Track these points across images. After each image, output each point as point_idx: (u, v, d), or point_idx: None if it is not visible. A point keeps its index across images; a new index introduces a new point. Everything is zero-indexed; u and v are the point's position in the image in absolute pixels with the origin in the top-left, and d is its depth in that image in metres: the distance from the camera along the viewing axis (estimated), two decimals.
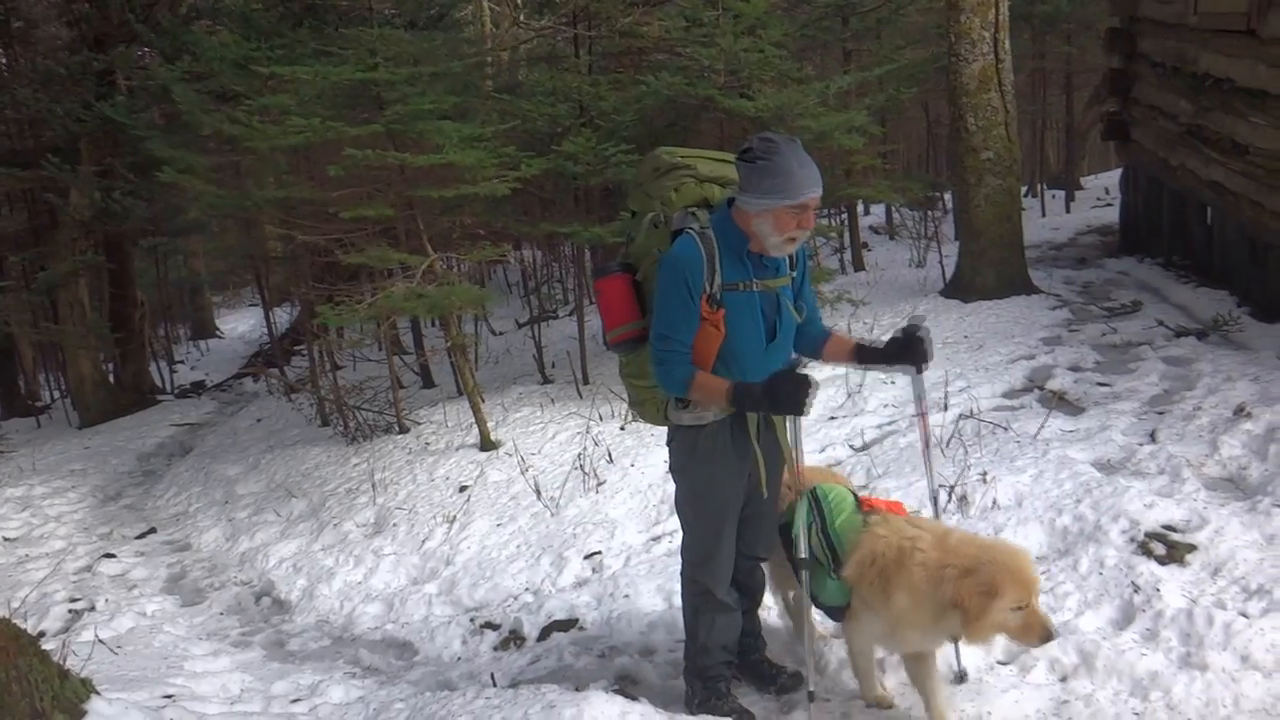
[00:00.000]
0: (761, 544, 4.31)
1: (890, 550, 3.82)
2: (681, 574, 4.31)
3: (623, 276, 4.01)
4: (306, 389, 11.78)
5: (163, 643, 6.43)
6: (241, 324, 24.10)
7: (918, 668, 4.02)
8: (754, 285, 3.85)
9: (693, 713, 4.18)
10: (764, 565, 4.46)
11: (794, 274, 4.02)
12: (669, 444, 4.15)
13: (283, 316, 16.56)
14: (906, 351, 4.06)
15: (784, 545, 4.21)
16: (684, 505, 4.19)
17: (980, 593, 3.56)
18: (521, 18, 18.22)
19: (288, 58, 8.94)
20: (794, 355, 4.15)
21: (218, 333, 24.27)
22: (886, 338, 4.18)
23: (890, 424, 7.25)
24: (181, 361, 20.32)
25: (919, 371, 4.15)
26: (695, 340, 3.78)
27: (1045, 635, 3.62)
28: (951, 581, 3.62)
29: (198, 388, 17.39)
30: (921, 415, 4.38)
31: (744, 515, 4.20)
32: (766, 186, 3.66)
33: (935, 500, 4.55)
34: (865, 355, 4.18)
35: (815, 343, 4.21)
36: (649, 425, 7.65)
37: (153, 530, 9.40)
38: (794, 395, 3.60)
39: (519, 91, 11.11)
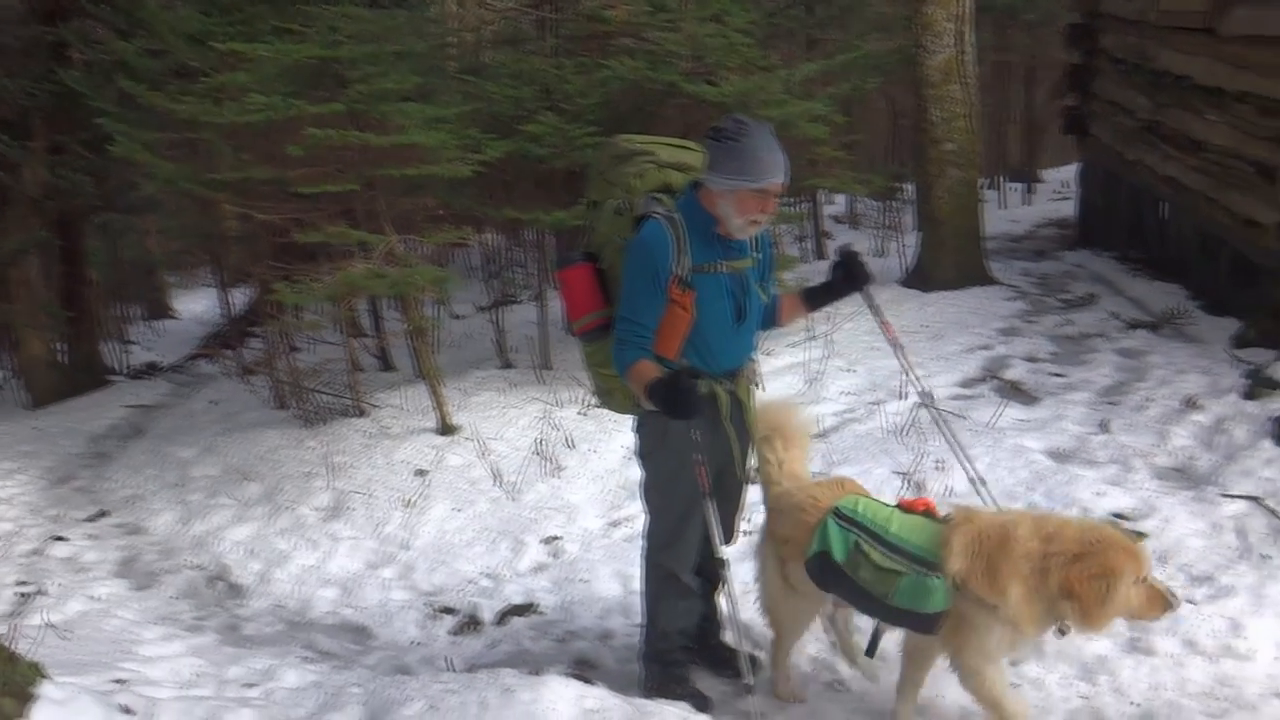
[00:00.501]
0: (724, 529, 4.28)
1: (992, 534, 3.59)
2: (645, 558, 4.33)
3: (586, 266, 4.04)
4: (263, 371, 11.66)
5: (114, 627, 6.36)
6: (197, 305, 23.78)
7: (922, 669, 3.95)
8: (722, 267, 3.89)
9: (649, 696, 4.19)
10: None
11: (758, 255, 4.05)
12: (637, 430, 4.17)
13: (239, 298, 16.38)
14: (849, 278, 4.18)
15: (819, 578, 3.95)
16: (651, 490, 4.22)
17: (1097, 576, 3.35)
18: None
19: (246, 34, 8.82)
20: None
21: (172, 313, 23.95)
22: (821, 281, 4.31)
23: (849, 411, 7.30)
24: (135, 342, 20.00)
25: (865, 289, 4.25)
26: (665, 322, 3.81)
27: (1168, 604, 3.44)
28: (1061, 569, 3.41)
29: (152, 369, 17.15)
30: (883, 323, 4.48)
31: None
32: (733, 168, 3.69)
33: (923, 395, 4.74)
34: (814, 297, 4.32)
35: (772, 312, 4.28)
36: (608, 411, 7.67)
37: (104, 513, 9.28)
38: (681, 401, 3.63)
39: (483, 73, 11.04)
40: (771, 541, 4.22)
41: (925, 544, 3.71)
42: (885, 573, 3.73)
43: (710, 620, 4.59)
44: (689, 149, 4.12)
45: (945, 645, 3.77)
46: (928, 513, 3.89)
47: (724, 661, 4.55)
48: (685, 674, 4.37)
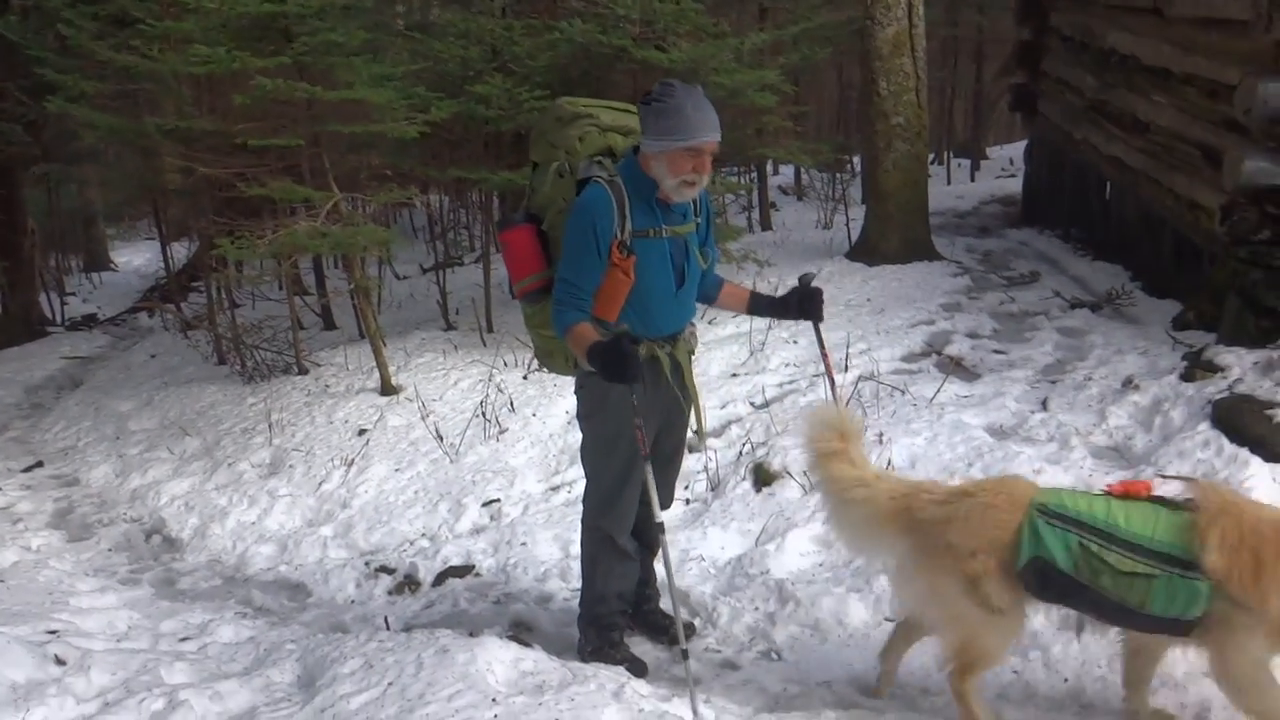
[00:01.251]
0: (663, 493, 4.32)
1: (1259, 527, 3.17)
2: (583, 521, 4.34)
3: (528, 228, 4.02)
4: (203, 326, 11.51)
5: (48, 578, 6.27)
6: (137, 257, 23.39)
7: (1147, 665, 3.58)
8: (664, 232, 3.89)
9: (585, 660, 4.20)
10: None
11: (699, 220, 4.06)
12: (577, 391, 4.16)
13: (180, 251, 16.12)
14: (803, 310, 4.21)
15: (1040, 590, 3.45)
16: (590, 452, 4.22)
17: None
18: None
19: None
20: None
21: (112, 265, 23.53)
22: (780, 293, 4.38)
23: (791, 382, 7.33)
24: (73, 294, 19.66)
25: (817, 322, 4.28)
26: (605, 286, 3.80)
27: None
28: None
29: (90, 321, 16.87)
30: (825, 355, 4.48)
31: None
32: (662, 128, 3.69)
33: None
34: (759, 305, 4.34)
35: (709, 289, 4.28)
36: (552, 375, 7.63)
37: (39, 464, 9.15)
38: (620, 364, 3.60)
39: (431, 31, 10.91)
40: (950, 556, 3.46)
41: (1173, 538, 3.23)
42: (1133, 578, 3.24)
43: (648, 586, 4.59)
44: (631, 112, 4.08)
45: (1200, 650, 3.37)
46: (1157, 499, 3.43)
47: (660, 628, 4.57)
48: (621, 639, 4.37)
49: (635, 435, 3.90)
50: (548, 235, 4.01)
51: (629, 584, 4.36)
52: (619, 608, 4.34)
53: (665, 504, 4.39)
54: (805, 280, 4.23)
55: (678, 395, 4.14)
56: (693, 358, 4.30)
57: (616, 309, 3.86)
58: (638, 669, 4.22)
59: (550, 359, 4.28)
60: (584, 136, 4.00)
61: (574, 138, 4.00)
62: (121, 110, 10.70)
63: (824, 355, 4.47)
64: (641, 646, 4.48)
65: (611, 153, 3.98)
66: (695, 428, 4.37)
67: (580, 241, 3.77)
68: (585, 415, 4.17)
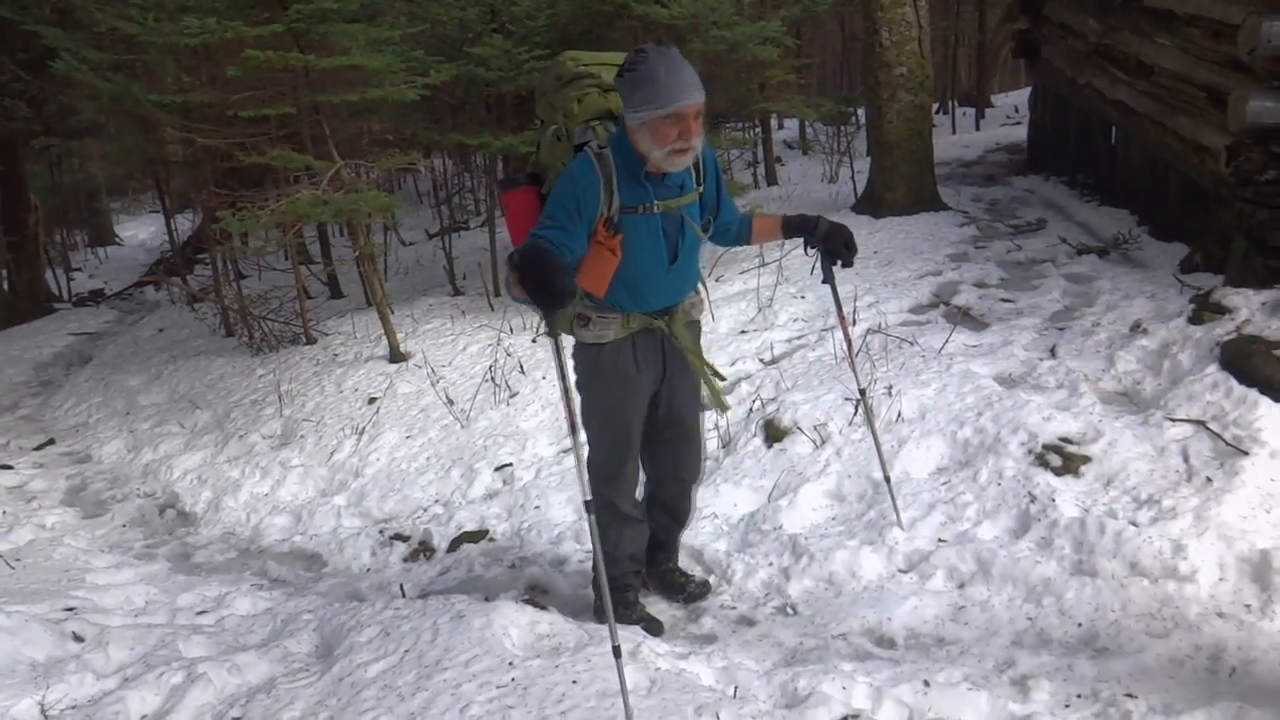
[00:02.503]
0: (686, 466, 4.31)
1: None
2: (590, 492, 4.27)
3: (530, 190, 3.92)
4: (210, 298, 11.53)
5: (63, 555, 6.32)
6: (142, 231, 23.44)
7: None
8: (655, 207, 3.75)
9: (600, 621, 4.21)
10: None
11: (700, 188, 3.92)
12: (574, 358, 4.09)
13: (184, 224, 16.13)
14: (831, 237, 4.16)
15: None
16: (589, 420, 4.14)
17: None
18: None
19: None
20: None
21: (117, 240, 23.57)
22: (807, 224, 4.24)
23: (800, 338, 7.32)
24: (79, 269, 19.71)
25: (838, 262, 4.24)
26: (592, 262, 3.69)
27: None
28: None
29: (96, 296, 16.92)
30: (841, 318, 4.54)
31: (665, 437, 4.20)
32: (638, 99, 3.54)
33: (863, 393, 4.73)
34: (790, 226, 4.23)
35: (743, 230, 4.22)
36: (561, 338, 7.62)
37: (51, 441, 9.19)
38: (541, 282, 3.27)
39: None
40: None
41: None
42: None
43: (663, 547, 4.59)
44: None
45: None
46: None
47: (677, 587, 4.57)
48: (636, 598, 4.38)
49: (629, 406, 3.92)
50: (548, 198, 3.85)
51: (639, 545, 4.36)
52: (632, 568, 4.35)
53: (693, 477, 4.41)
54: (843, 230, 4.18)
55: (682, 366, 4.06)
56: (698, 327, 4.23)
57: (604, 285, 3.76)
58: (654, 628, 4.25)
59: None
60: (583, 98, 3.84)
61: (573, 99, 3.84)
62: (121, 81, 10.67)
63: (841, 318, 4.53)
64: (657, 605, 4.51)
65: (613, 115, 3.84)
66: (707, 402, 4.27)
67: (562, 205, 3.63)
68: (581, 385, 4.08)
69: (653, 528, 4.45)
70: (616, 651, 3.32)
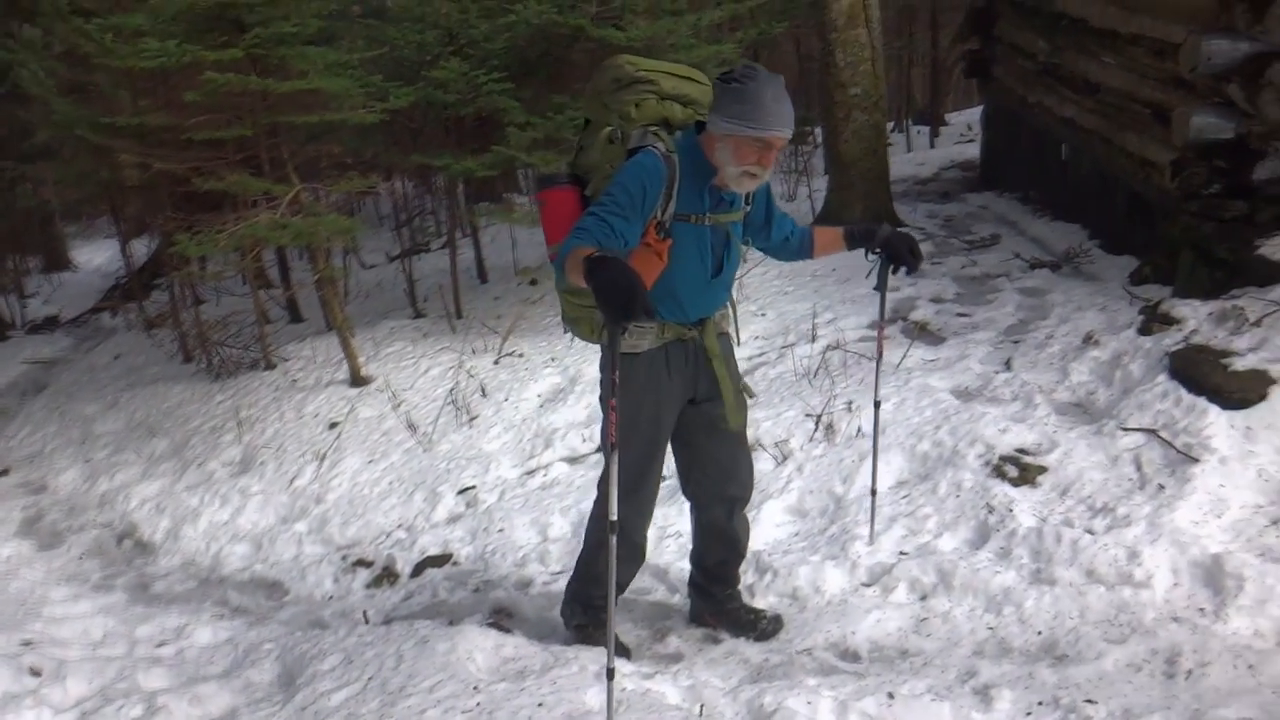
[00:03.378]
0: (732, 481, 4.14)
1: None
2: (595, 505, 4.15)
3: (572, 190, 3.80)
4: (167, 324, 11.44)
5: (19, 588, 6.25)
6: (97, 256, 23.15)
7: None
8: (706, 219, 3.71)
9: (568, 629, 4.18)
10: None
11: (747, 209, 3.88)
12: (601, 369, 3.98)
13: (141, 249, 15.98)
14: (895, 241, 4.12)
15: None
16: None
17: None
18: None
19: None
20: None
21: (72, 265, 23.29)
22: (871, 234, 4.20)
23: (760, 355, 7.37)
24: (33, 295, 19.46)
25: (899, 269, 4.19)
26: (637, 263, 3.45)
27: None
28: None
29: (51, 323, 16.71)
30: (881, 326, 4.61)
31: (708, 452, 4.05)
32: (735, 111, 3.48)
33: (878, 405, 4.74)
34: (854, 237, 4.17)
35: (804, 244, 4.18)
36: (523, 359, 7.63)
37: (5, 471, 9.08)
38: (622, 299, 3.05)
39: (386, 17, 10.83)
40: None
41: None
42: None
43: (724, 582, 4.37)
44: (694, 80, 3.88)
45: None
46: None
47: (747, 624, 4.32)
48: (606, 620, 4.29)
49: (658, 420, 3.84)
50: (589, 201, 3.73)
51: (626, 578, 4.24)
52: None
53: (742, 492, 4.19)
54: (908, 237, 4.14)
55: (714, 378, 3.94)
56: (729, 339, 4.13)
57: (646, 289, 3.58)
58: (620, 651, 4.13)
59: (576, 325, 4.03)
60: (640, 103, 3.75)
61: (630, 103, 3.75)
62: (79, 103, 10.59)
63: (880, 327, 4.56)
64: (622, 626, 4.46)
65: (667, 123, 3.76)
66: (725, 419, 4.02)
67: (629, 193, 3.51)
68: (605, 396, 3.87)
69: (708, 560, 4.29)
70: (610, 674, 3.29)
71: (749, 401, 4.14)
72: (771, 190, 4.06)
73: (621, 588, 4.27)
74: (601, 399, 3.99)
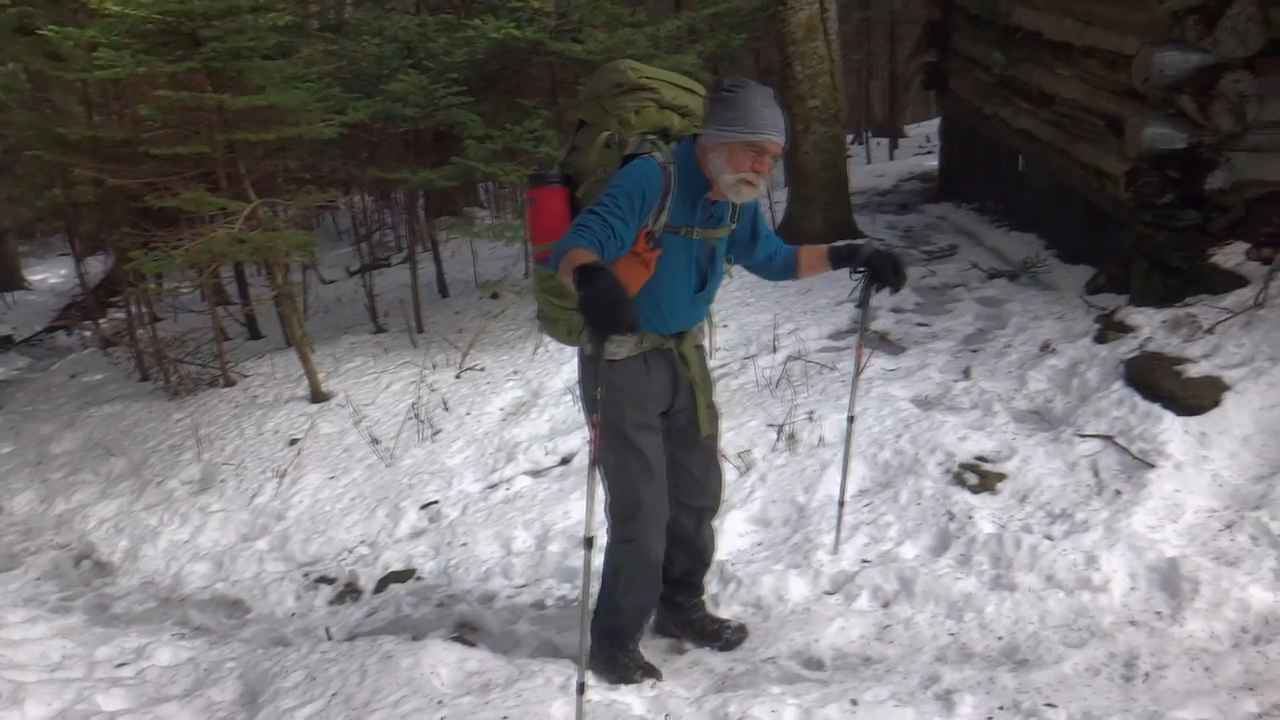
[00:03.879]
0: (704, 491, 4.13)
1: None
2: (609, 534, 4.01)
3: (562, 190, 3.74)
4: (124, 342, 11.32)
5: None
6: (52, 275, 22.91)
7: None
8: (695, 233, 3.69)
9: (595, 669, 3.98)
10: None
11: (734, 226, 3.87)
12: (580, 381, 3.96)
13: (96, 266, 15.82)
14: (878, 259, 4.06)
15: None
16: (603, 453, 3.82)
17: None
18: None
19: None
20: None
21: (25, 284, 23.03)
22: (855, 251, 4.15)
23: (723, 366, 7.39)
24: None
25: (883, 287, 4.16)
26: (623, 269, 3.45)
27: None
28: None
29: (5, 343, 16.49)
30: (860, 341, 4.61)
31: (682, 462, 4.02)
32: (727, 118, 3.51)
33: (851, 420, 4.72)
34: (839, 256, 4.12)
35: (789, 263, 4.14)
36: (484, 373, 7.62)
37: None
38: (608, 314, 3.05)
39: (344, 31, 10.82)
40: None
41: None
42: None
43: (690, 590, 4.36)
44: (693, 92, 3.86)
45: None
46: None
47: (711, 634, 4.32)
48: (635, 646, 4.12)
49: (647, 428, 3.79)
50: (580, 203, 3.69)
51: (649, 601, 4.14)
52: (635, 621, 4.10)
53: (712, 502, 4.18)
54: (893, 255, 4.10)
55: (689, 388, 3.93)
56: (703, 351, 4.12)
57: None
58: (652, 674, 4.03)
59: (554, 326, 3.96)
60: (641, 110, 3.73)
61: (631, 109, 3.73)
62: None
63: (860, 341, 4.56)
64: (654, 654, 4.31)
65: (666, 133, 3.73)
66: (697, 427, 4.01)
67: (629, 196, 3.47)
68: (588, 410, 3.86)
69: (674, 570, 4.23)
70: (580, 688, 3.27)
71: (729, 428, 4.12)
72: (760, 212, 4.06)
73: (644, 613, 4.14)
74: (584, 411, 3.95)
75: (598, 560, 3.80)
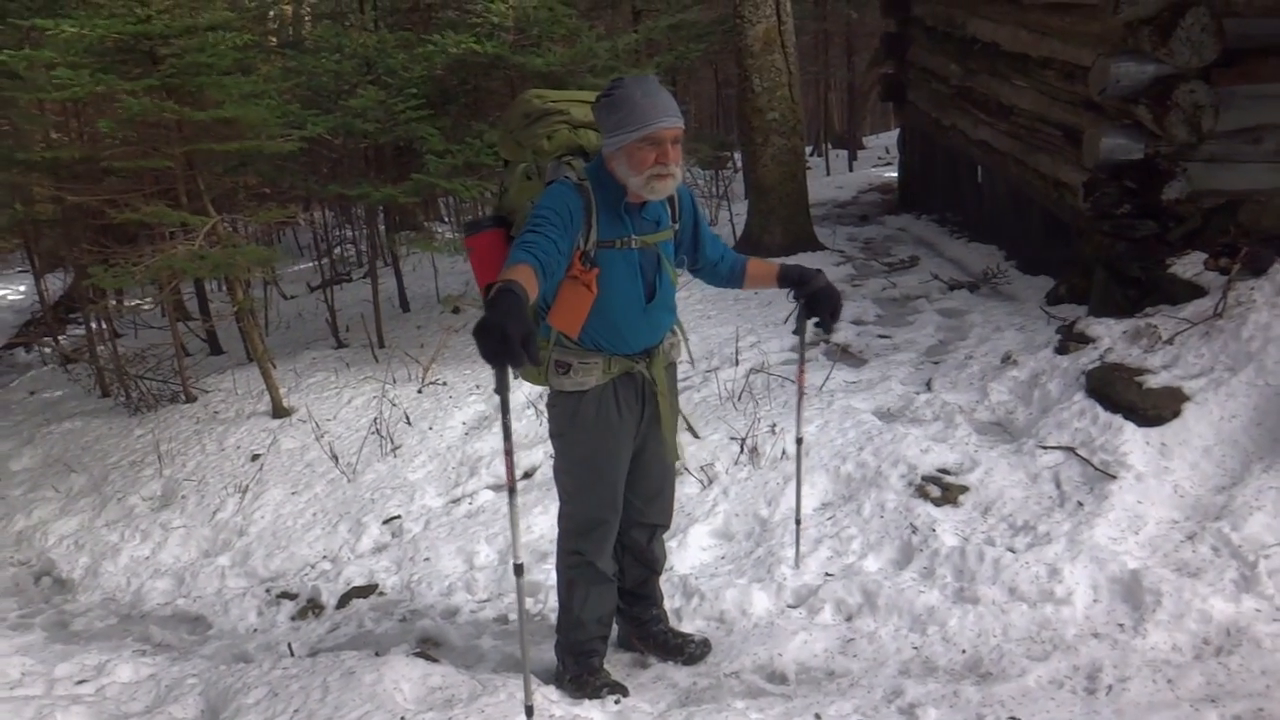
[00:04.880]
0: (660, 512, 4.15)
1: None
2: (558, 545, 4.04)
3: (497, 232, 3.72)
4: (84, 358, 11.21)
5: None
6: (11, 291, 22.67)
7: None
8: (633, 242, 3.62)
9: (562, 688, 4.03)
10: None
11: (676, 226, 3.82)
12: (549, 409, 3.91)
13: (56, 283, 15.66)
14: (814, 303, 4.03)
15: None
16: (563, 474, 3.95)
17: None
18: None
19: (50, 9, 8.42)
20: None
21: None
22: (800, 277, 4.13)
23: (684, 379, 7.39)
24: None
25: (804, 325, 4.19)
26: (567, 298, 3.51)
27: None
28: None
29: None
30: (801, 370, 4.55)
31: (640, 485, 4.01)
32: (614, 122, 3.44)
33: (800, 442, 4.65)
34: (788, 277, 4.09)
35: (736, 272, 4.09)
36: (447, 387, 7.59)
37: None
38: (494, 345, 2.87)
39: (303, 48, 10.78)
40: None
41: None
42: None
43: (654, 605, 4.36)
44: None
45: None
46: None
47: (674, 648, 4.30)
48: (601, 664, 4.14)
49: (613, 455, 3.76)
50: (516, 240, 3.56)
51: (608, 607, 4.12)
52: (598, 633, 4.10)
53: (664, 520, 4.20)
54: (826, 288, 4.05)
55: (655, 409, 3.90)
56: (675, 369, 4.09)
57: (579, 323, 3.59)
58: (619, 692, 4.02)
59: (521, 368, 3.84)
60: (552, 134, 3.69)
61: (542, 136, 3.69)
62: None
63: (801, 369, 4.50)
64: (620, 670, 4.30)
65: (583, 151, 3.69)
66: (676, 454, 4.05)
67: (556, 212, 3.42)
68: (556, 433, 3.88)
69: (627, 582, 4.24)
70: (529, 711, 3.27)
71: (692, 442, 4.11)
72: (700, 211, 4.03)
73: (604, 622, 4.13)
74: (551, 434, 3.93)
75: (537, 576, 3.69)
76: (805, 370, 4.67)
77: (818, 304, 4.04)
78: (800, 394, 4.59)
